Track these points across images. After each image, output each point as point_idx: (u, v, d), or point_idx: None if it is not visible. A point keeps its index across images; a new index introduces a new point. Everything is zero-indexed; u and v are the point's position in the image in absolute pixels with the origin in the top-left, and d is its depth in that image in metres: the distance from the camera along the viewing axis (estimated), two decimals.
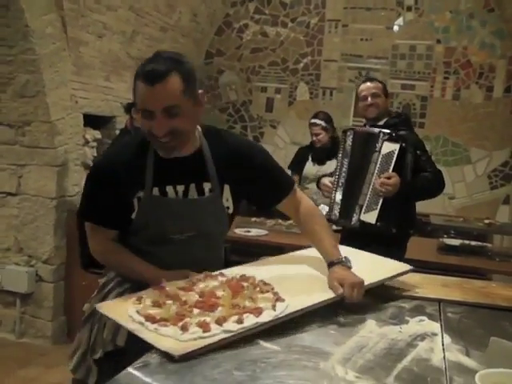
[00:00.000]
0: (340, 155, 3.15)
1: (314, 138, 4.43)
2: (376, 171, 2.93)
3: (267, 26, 5.68)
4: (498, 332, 1.54)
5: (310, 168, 4.44)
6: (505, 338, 1.41)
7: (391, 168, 2.88)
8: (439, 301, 1.89)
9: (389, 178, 2.85)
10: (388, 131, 2.93)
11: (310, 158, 4.47)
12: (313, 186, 4.25)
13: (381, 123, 3.10)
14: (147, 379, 1.16)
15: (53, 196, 3.74)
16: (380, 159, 2.92)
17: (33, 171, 3.77)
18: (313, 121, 4.40)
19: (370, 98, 3.09)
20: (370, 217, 2.93)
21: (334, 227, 3.16)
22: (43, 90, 3.57)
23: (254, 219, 4.31)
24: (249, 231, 3.93)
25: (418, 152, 2.99)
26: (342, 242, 3.07)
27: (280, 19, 5.64)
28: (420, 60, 5.34)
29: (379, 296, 1.87)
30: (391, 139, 2.90)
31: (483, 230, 4.62)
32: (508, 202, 5.20)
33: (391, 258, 2.57)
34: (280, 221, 4.20)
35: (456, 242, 4.03)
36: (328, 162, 4.42)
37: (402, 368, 1.31)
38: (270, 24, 5.67)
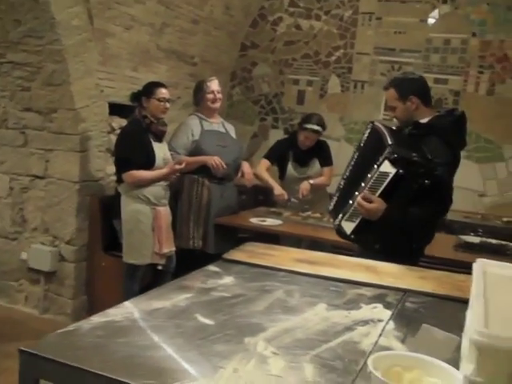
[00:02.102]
0: (356, 147, 2.92)
1: (303, 141, 4.30)
2: (367, 186, 2.58)
3: (301, 19, 5.69)
4: (450, 323, 1.56)
5: (292, 171, 4.38)
6: (456, 329, 1.42)
7: (379, 192, 2.52)
8: (405, 291, 1.91)
9: (370, 201, 2.52)
10: (395, 153, 2.48)
11: (291, 159, 4.38)
12: (294, 185, 4.27)
13: (424, 121, 2.75)
14: None
15: (76, 180, 3.93)
16: (375, 175, 2.54)
17: (59, 156, 3.97)
18: (307, 126, 4.23)
19: (390, 111, 2.92)
20: (348, 226, 2.69)
21: None
22: (68, 79, 3.74)
23: (272, 209, 4.37)
24: (264, 221, 4.00)
25: (427, 181, 2.51)
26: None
27: (314, 12, 5.64)
28: (454, 54, 5.22)
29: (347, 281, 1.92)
30: (393, 160, 2.47)
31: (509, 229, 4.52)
32: None
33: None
34: (300, 213, 4.24)
35: (475, 239, 3.96)
36: (311, 164, 4.41)
37: (325, 348, 1.35)
38: (304, 17, 5.68)
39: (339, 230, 2.77)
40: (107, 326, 1.35)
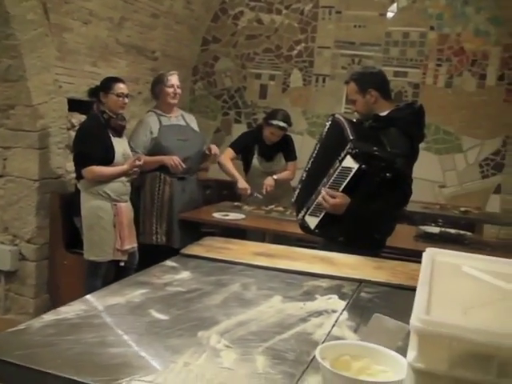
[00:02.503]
0: (318, 138, 2.95)
1: (268, 137, 4.32)
2: (330, 181, 2.60)
3: (262, 13, 5.70)
4: (402, 311, 1.58)
5: (257, 165, 4.40)
6: (407, 317, 1.45)
7: (342, 187, 2.55)
8: (360, 281, 1.94)
9: (334, 197, 2.55)
10: (356, 148, 2.50)
11: (257, 153, 4.40)
12: (259, 179, 4.29)
13: (383, 114, 2.79)
14: None
15: (35, 178, 3.86)
16: (338, 170, 2.56)
17: (17, 153, 3.89)
18: (273, 122, 4.24)
19: (351, 105, 2.98)
20: (312, 221, 2.72)
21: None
22: (25, 74, 3.67)
23: (235, 203, 4.38)
24: (227, 215, 4.00)
25: (388, 174, 2.54)
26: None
27: (275, 6, 5.65)
28: (413, 47, 5.30)
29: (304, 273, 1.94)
30: (355, 156, 2.49)
31: (471, 219, 4.62)
32: (499, 192, 5.16)
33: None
34: (263, 207, 4.25)
35: (435, 229, 4.04)
36: (276, 158, 4.45)
37: (278, 340, 1.37)
38: (265, 11, 5.68)
39: (303, 225, 2.81)
40: (58, 323, 1.34)
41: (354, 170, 2.50)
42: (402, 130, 2.70)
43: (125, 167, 3.54)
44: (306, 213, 2.74)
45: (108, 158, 3.50)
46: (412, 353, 0.98)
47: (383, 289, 1.89)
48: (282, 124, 4.25)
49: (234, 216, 3.98)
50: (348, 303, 1.69)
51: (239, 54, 5.81)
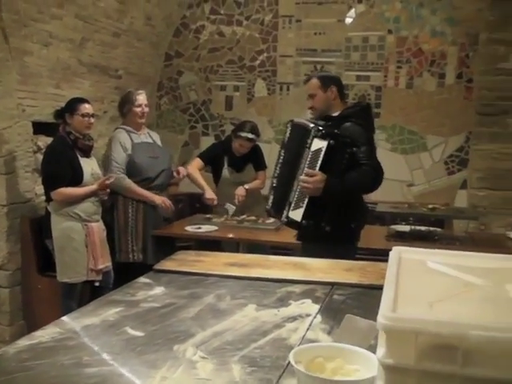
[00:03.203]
0: (280, 146, 3.14)
1: (237, 148, 4.38)
2: (305, 168, 2.83)
3: (223, 26, 5.75)
4: (374, 311, 1.62)
5: (228, 176, 4.44)
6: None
7: (318, 166, 2.79)
8: (333, 284, 1.97)
9: (312, 176, 2.79)
10: (320, 127, 2.81)
11: (226, 163, 4.44)
12: (229, 190, 4.33)
13: (335, 114, 3.02)
14: None
15: (3, 203, 3.83)
16: (309, 156, 2.82)
17: None
18: (241, 134, 4.30)
19: (308, 101, 3.10)
20: (297, 214, 2.87)
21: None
22: None
23: (208, 216, 4.39)
24: (199, 228, 4.01)
25: (355, 148, 2.82)
26: (298, 236, 3.15)
27: (235, 18, 5.70)
28: (373, 51, 5.41)
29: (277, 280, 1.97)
30: (321, 136, 2.78)
31: (440, 215, 4.71)
32: (465, 187, 5.28)
33: (343, 251, 2.68)
34: (236, 217, 4.28)
35: (406, 228, 4.12)
36: (246, 169, 4.49)
37: (254, 348, 1.39)
38: (226, 23, 5.73)
39: (290, 222, 2.95)
40: (33, 348, 1.34)
41: (324, 149, 2.76)
42: (356, 123, 2.93)
43: (94, 187, 3.54)
44: (289, 209, 2.91)
45: (77, 178, 3.49)
46: (381, 349, 1.01)
47: (355, 290, 1.92)
48: (250, 136, 4.30)
49: (206, 228, 4.00)
50: (321, 306, 1.72)
51: (203, 67, 5.84)
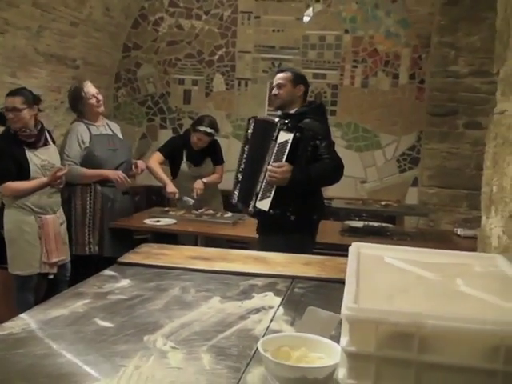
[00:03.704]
0: (243, 142, 3.24)
1: (196, 142, 4.42)
2: (271, 160, 2.98)
3: (182, 19, 5.76)
4: (333, 302, 1.70)
5: (186, 169, 4.48)
6: (338, 308, 1.57)
7: (284, 157, 2.94)
8: (293, 278, 2.05)
9: (280, 168, 2.93)
10: (286, 121, 2.99)
11: (185, 157, 4.48)
12: (188, 184, 4.37)
13: (292, 111, 3.16)
14: None
15: None
16: (276, 148, 2.97)
17: None
18: (200, 128, 4.35)
19: (274, 89, 3.22)
20: (264, 204, 3.01)
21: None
22: None
23: (165, 209, 4.42)
24: (158, 221, 4.04)
25: (318, 141, 3.01)
26: (258, 230, 3.27)
27: (194, 12, 5.72)
28: (330, 50, 5.53)
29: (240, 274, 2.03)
30: (287, 129, 2.95)
31: (392, 211, 4.87)
32: (416, 185, 5.47)
33: (302, 243, 2.87)
34: (194, 210, 4.32)
35: (359, 223, 4.25)
36: (204, 163, 4.54)
37: (221, 338, 1.45)
38: (185, 17, 5.75)
39: (257, 213, 3.07)
40: (5, 339, 1.36)
41: (290, 140, 2.92)
42: (315, 119, 3.09)
43: (45, 179, 3.50)
44: (256, 200, 3.03)
45: (23, 172, 3.44)
46: (344, 338, 1.09)
47: (314, 283, 2.00)
48: (208, 130, 4.34)
49: (165, 221, 4.02)
50: (283, 299, 1.79)
51: (161, 59, 5.84)
